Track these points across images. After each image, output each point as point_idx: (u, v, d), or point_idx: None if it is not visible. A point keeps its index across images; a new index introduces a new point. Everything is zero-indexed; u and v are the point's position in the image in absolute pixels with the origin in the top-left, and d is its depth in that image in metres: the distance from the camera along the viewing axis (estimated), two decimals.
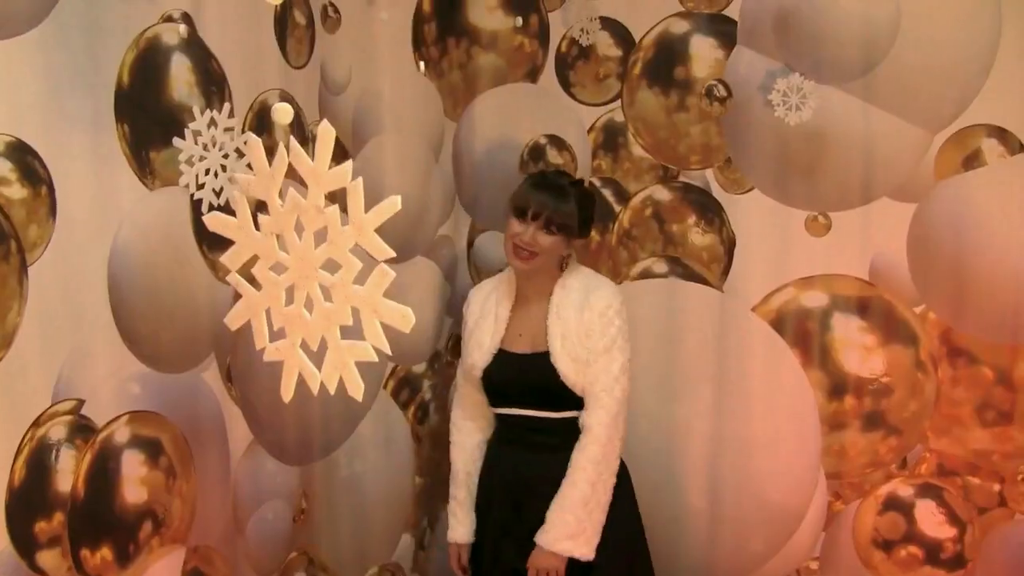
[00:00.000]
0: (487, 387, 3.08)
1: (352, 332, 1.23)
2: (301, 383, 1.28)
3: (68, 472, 2.33)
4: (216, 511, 2.89)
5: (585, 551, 2.90)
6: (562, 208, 2.94)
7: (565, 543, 2.89)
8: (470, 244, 4.03)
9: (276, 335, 1.27)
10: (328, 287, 1.23)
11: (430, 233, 3.86)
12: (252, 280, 1.31)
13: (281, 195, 1.26)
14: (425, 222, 3.81)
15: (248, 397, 2.99)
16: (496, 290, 3.13)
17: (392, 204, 1.18)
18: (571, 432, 2.96)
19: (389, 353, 1.21)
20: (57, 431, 2.32)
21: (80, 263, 2.40)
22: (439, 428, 3.92)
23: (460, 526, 3.18)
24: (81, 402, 2.39)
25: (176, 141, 2.29)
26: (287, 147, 1.21)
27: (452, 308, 3.94)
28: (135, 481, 2.54)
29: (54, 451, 2.32)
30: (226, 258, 1.30)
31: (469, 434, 3.21)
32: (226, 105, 2.33)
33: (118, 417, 2.49)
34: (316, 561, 3.43)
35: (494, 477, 3.13)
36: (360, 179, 1.19)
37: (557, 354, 2.93)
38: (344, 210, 1.21)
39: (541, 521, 2.92)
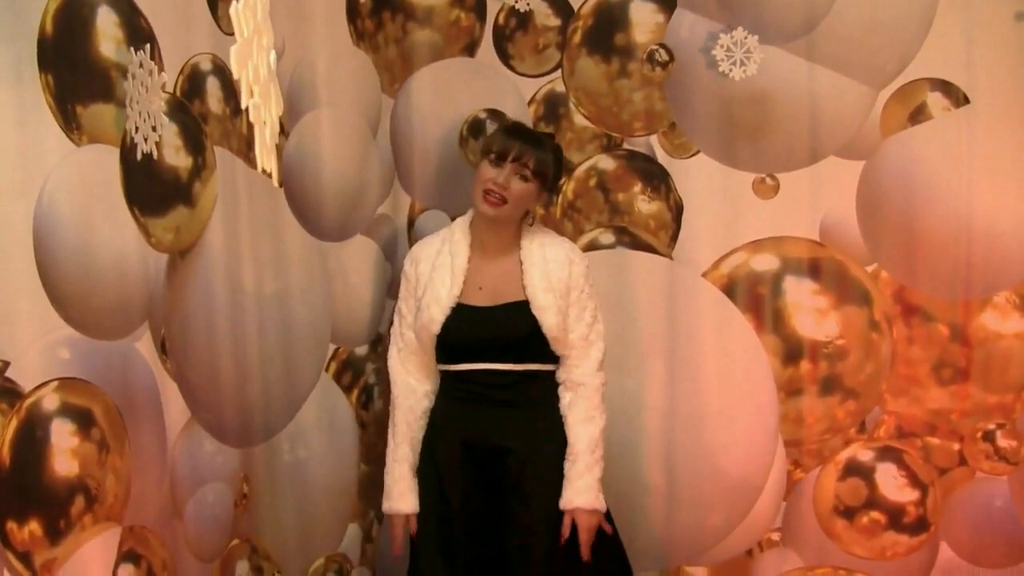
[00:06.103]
0: (442, 343, 2.96)
1: None
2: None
3: None
4: (152, 490, 2.72)
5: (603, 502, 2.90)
6: (539, 154, 2.92)
7: (600, 496, 2.88)
8: (410, 224, 3.92)
9: None
10: None
11: (369, 212, 3.74)
12: None
13: None
14: (364, 201, 3.69)
15: (184, 371, 2.84)
16: (447, 243, 3.02)
17: None
18: (529, 384, 2.91)
19: None
20: None
21: (2, 218, 2.26)
22: (383, 414, 3.78)
23: (411, 493, 3.07)
24: (6, 364, 2.24)
25: None
26: None
27: (393, 288, 3.81)
28: (65, 452, 2.38)
29: None
30: None
31: (418, 400, 3.11)
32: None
33: (47, 383, 2.34)
34: (259, 549, 3.27)
35: (450, 438, 3.01)
36: None
37: (541, 304, 2.88)
38: None
39: (522, 492, 2.88)
